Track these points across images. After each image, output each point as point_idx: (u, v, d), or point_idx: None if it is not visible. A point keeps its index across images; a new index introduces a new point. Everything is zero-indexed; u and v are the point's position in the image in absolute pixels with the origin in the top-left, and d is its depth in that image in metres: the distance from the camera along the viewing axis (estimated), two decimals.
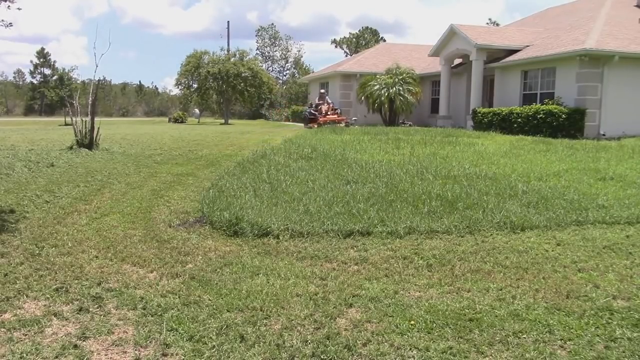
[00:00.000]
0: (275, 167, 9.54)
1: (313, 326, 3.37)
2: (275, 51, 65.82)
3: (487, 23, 57.70)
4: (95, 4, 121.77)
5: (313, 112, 23.83)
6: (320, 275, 4.32)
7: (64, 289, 3.95)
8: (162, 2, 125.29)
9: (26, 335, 3.21)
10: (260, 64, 47.09)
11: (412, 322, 3.40)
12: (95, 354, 3.01)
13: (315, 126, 21.66)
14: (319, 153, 12.31)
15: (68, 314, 3.52)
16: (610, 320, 3.48)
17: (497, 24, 51.72)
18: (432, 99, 28.63)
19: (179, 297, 3.80)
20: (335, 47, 70.06)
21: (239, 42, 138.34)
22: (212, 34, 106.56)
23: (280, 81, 62.43)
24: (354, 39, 67.67)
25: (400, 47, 34.83)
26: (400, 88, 25.97)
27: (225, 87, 38.75)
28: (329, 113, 23.67)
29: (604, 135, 17.71)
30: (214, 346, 3.07)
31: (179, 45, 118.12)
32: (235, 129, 27.35)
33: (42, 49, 70.24)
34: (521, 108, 19.38)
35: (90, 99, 15.01)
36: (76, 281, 4.12)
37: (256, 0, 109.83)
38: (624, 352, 3.08)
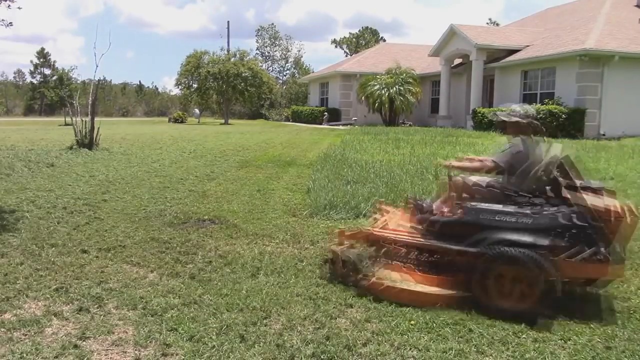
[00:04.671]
0: None
1: (313, 326, 3.36)
2: (275, 51, 65.83)
3: (487, 23, 57.69)
4: (91, 4, 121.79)
5: None
6: (321, 274, 4.32)
7: (64, 289, 3.94)
8: (157, 2, 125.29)
9: (26, 335, 3.21)
10: (260, 64, 47.10)
11: (412, 322, 3.40)
12: (95, 354, 3.01)
13: None
14: (320, 153, 12.31)
15: (68, 314, 3.52)
16: (610, 320, 3.48)
17: (497, 24, 51.69)
18: (432, 99, 28.65)
19: (179, 297, 3.80)
20: (335, 47, 70.08)
21: (237, 42, 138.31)
22: (210, 33, 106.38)
23: (280, 81, 62.42)
24: (354, 39, 67.66)
25: (400, 47, 34.86)
26: (401, 88, 26.00)
27: (225, 87, 38.76)
28: None
29: (604, 135, 17.72)
30: (214, 346, 3.07)
31: (176, 45, 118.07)
32: (236, 129, 27.36)
33: (42, 49, 70.22)
34: None
35: (90, 99, 15.01)
36: (76, 281, 4.12)
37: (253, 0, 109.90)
38: (624, 352, 3.08)
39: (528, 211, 3.93)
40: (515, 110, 4.31)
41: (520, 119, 4.25)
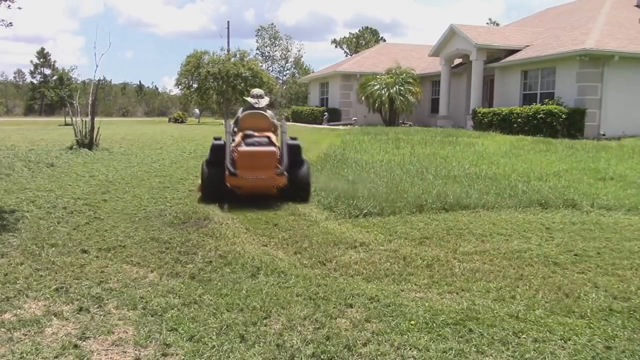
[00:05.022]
0: None
1: (313, 326, 3.36)
2: (275, 51, 65.85)
3: (487, 23, 57.71)
4: (91, 4, 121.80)
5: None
6: (321, 275, 4.32)
7: (64, 289, 3.94)
8: (157, 2, 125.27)
9: (26, 335, 3.21)
10: (260, 64, 47.10)
11: (412, 322, 3.40)
12: (95, 354, 3.01)
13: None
14: (319, 153, 12.32)
15: (68, 314, 3.52)
16: (610, 320, 3.48)
17: (497, 24, 51.71)
18: (432, 99, 28.66)
19: (179, 297, 3.80)
20: (335, 47, 70.16)
21: (237, 42, 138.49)
22: (210, 33, 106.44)
23: (280, 81, 62.46)
24: (354, 39, 67.69)
25: (400, 47, 34.87)
26: (401, 88, 26.00)
27: (225, 87, 38.77)
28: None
29: (604, 135, 17.72)
30: (214, 346, 3.07)
31: (176, 45, 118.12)
32: None
33: (42, 49, 70.26)
34: (521, 108, 19.39)
35: (90, 99, 15.01)
36: (76, 281, 4.12)
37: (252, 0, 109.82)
38: (623, 352, 3.07)
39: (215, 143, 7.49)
40: (255, 94, 8.12)
41: (246, 98, 8.29)
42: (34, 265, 4.46)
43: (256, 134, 7.48)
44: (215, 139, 7.55)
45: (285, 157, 7.20)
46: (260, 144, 7.24)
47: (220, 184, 7.12)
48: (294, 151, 7.43)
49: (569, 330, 3.32)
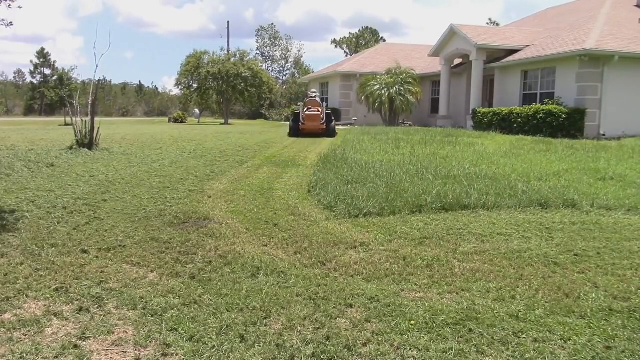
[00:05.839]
0: None
1: (313, 326, 3.37)
2: (275, 51, 65.83)
3: (487, 23, 57.70)
4: (90, 4, 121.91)
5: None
6: (321, 275, 4.32)
7: (64, 289, 3.95)
8: (156, 1, 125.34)
9: (26, 335, 3.21)
10: (260, 64, 47.09)
11: (412, 322, 3.40)
12: (95, 354, 3.01)
13: None
14: (319, 153, 12.32)
15: (68, 314, 3.52)
16: (610, 320, 3.48)
17: (497, 24, 51.71)
18: (432, 99, 28.66)
19: (179, 297, 3.80)
20: (335, 47, 70.15)
21: (237, 42, 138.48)
22: (209, 33, 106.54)
23: (280, 81, 62.43)
24: (354, 39, 67.69)
25: (400, 47, 34.86)
26: (401, 88, 26.01)
27: (225, 87, 38.75)
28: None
29: (604, 135, 17.72)
30: (214, 346, 3.07)
31: (176, 44, 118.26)
32: (236, 129, 27.37)
33: (42, 48, 70.27)
34: (521, 108, 19.40)
35: (90, 99, 15.00)
36: (76, 281, 4.12)
37: None
38: (623, 352, 3.07)
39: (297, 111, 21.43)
40: (313, 91, 22.85)
41: (309, 94, 22.18)
42: (34, 265, 4.46)
43: (312, 108, 19.60)
44: (295, 110, 21.67)
45: (324, 118, 19.01)
46: (313, 112, 19.21)
47: (298, 129, 19.02)
48: (329, 115, 19.33)
49: (569, 330, 3.33)
